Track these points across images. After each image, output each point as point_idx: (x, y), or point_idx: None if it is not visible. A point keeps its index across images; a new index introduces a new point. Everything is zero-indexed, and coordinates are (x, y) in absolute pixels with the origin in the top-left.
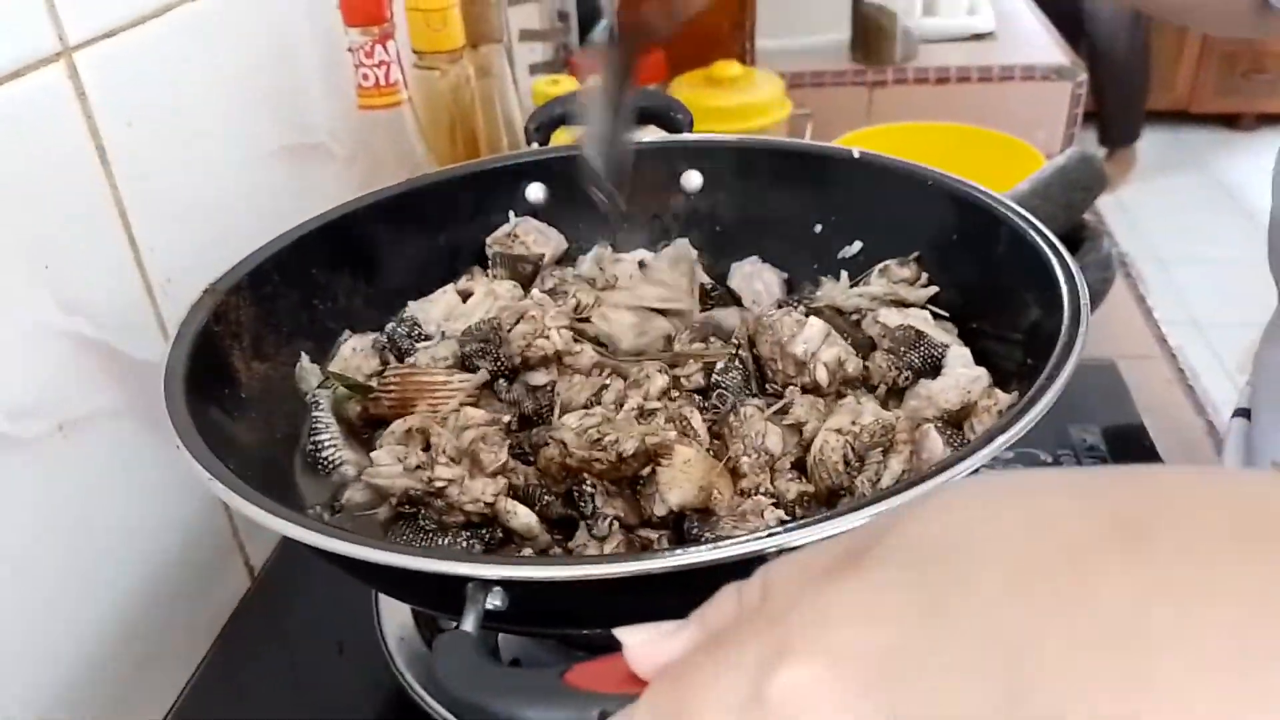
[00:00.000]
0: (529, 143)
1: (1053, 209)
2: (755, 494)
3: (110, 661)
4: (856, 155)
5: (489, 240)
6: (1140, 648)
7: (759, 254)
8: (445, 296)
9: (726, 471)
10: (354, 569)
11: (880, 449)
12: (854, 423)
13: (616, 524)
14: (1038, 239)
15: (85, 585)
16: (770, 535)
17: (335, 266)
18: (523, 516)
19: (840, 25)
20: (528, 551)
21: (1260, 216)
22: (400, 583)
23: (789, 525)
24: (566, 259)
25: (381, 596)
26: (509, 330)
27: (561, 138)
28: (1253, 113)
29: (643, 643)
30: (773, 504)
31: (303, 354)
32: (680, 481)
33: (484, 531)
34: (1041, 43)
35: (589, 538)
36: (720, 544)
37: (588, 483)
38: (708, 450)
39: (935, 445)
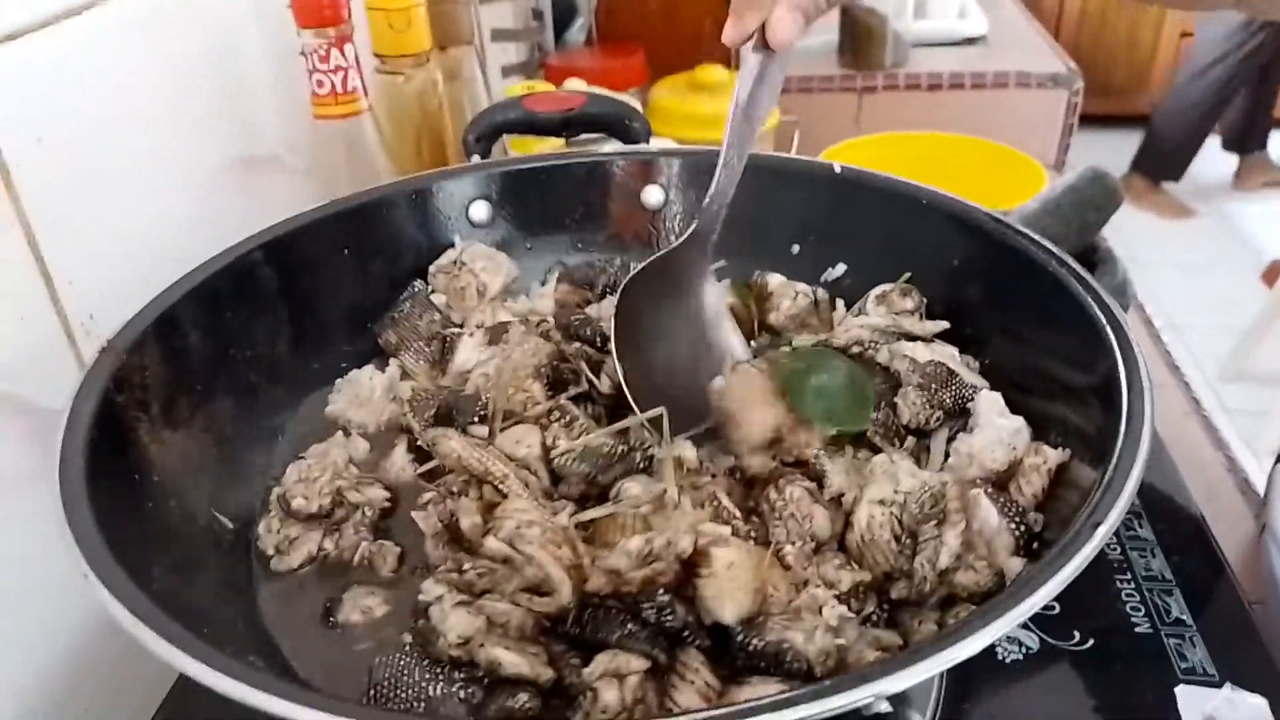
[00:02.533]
0: (468, 155)
1: (1064, 229)
2: (806, 586)
3: (97, 650)
4: (838, 170)
5: (432, 269)
6: None
7: (729, 275)
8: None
9: (776, 561)
10: None
11: (934, 521)
12: (896, 490)
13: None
14: (1070, 280)
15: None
16: (867, 683)
17: (255, 307)
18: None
19: (828, 27)
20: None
21: (1234, 219)
22: None
23: (889, 665)
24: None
25: None
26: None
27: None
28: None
29: None
30: (834, 596)
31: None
32: (730, 592)
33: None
34: (1036, 48)
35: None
36: (825, 695)
37: (658, 597)
38: (747, 534)
39: (989, 515)
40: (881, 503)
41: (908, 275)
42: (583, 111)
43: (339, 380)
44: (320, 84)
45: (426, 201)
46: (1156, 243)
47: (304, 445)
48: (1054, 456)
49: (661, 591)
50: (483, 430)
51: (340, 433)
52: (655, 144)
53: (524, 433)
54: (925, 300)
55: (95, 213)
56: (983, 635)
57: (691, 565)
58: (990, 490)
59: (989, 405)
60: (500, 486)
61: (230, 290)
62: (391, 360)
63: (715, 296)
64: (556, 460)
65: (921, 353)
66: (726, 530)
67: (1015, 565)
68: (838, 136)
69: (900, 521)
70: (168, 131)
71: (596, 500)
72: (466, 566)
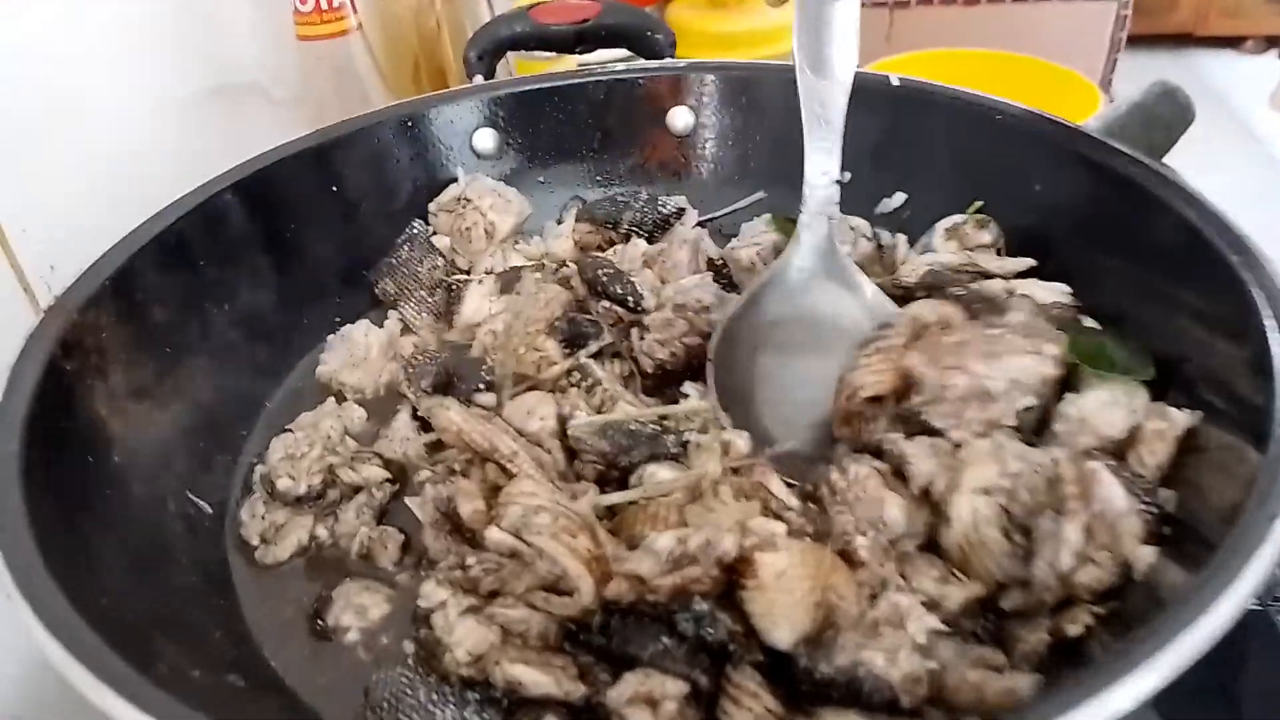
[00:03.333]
0: (470, 76)
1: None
2: (886, 591)
3: None
4: (895, 83)
5: (432, 206)
6: None
7: (768, 208)
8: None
9: (840, 561)
10: None
11: (1050, 507)
12: (1003, 474)
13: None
14: (1191, 215)
15: None
16: None
17: (232, 255)
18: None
19: None
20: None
21: (1265, 141)
22: None
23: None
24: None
25: None
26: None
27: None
28: (1260, 35)
29: None
30: (922, 604)
31: None
32: (783, 608)
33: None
34: None
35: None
36: None
37: (694, 606)
38: (804, 529)
39: (1112, 494)
40: (986, 491)
41: (979, 204)
42: (598, 23)
43: (331, 337)
44: (303, 0)
45: (423, 129)
46: (1186, 169)
47: (294, 414)
48: (1181, 420)
49: (698, 600)
50: (490, 398)
51: (333, 399)
52: (683, 62)
53: (537, 402)
54: (1002, 233)
55: (49, 153)
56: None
57: (735, 570)
58: (1111, 463)
59: None
60: (508, 465)
61: (202, 236)
62: (391, 313)
63: (855, 308)
64: (571, 432)
65: (1042, 293)
66: (779, 528)
67: (1146, 556)
68: (867, 57)
69: (1009, 514)
70: (130, 59)
71: (617, 486)
72: (470, 562)
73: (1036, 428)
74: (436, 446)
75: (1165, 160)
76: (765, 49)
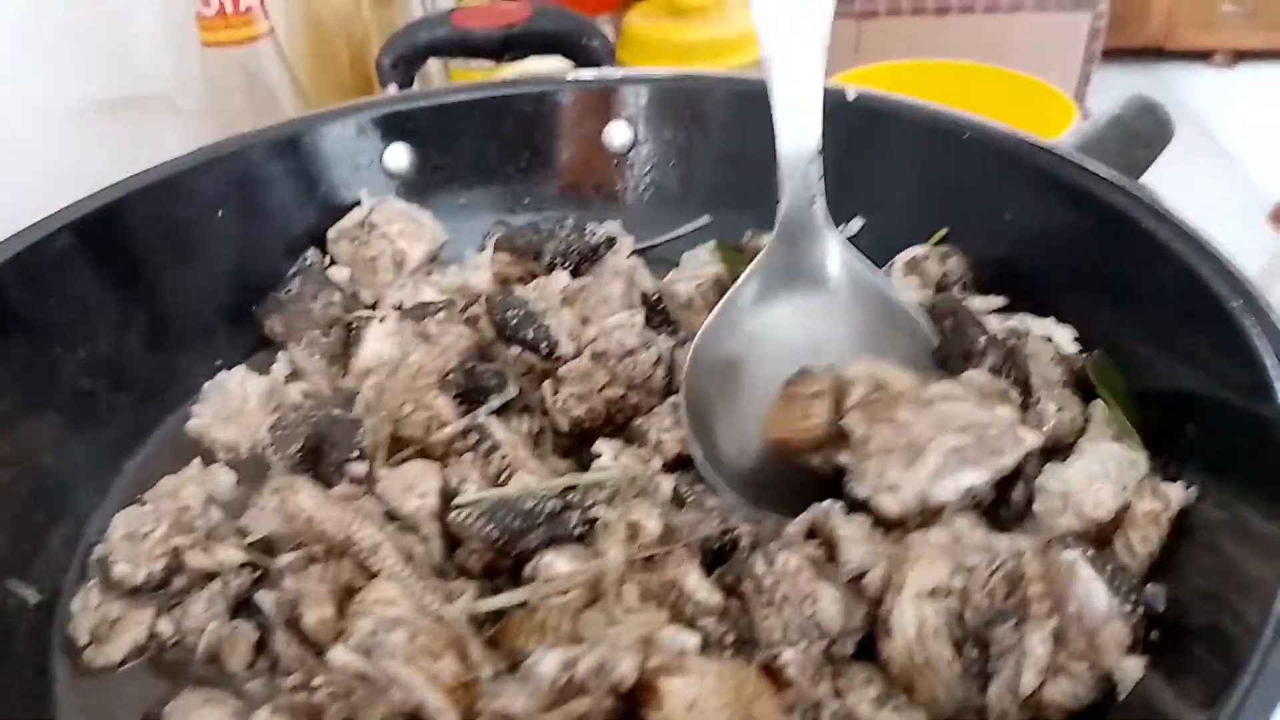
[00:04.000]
0: (383, 84)
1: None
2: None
3: None
4: (851, 97)
5: (331, 233)
6: None
7: (713, 234)
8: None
9: (764, 679)
10: None
11: (1011, 619)
12: (955, 572)
13: None
14: (1184, 251)
15: None
16: None
17: (89, 290)
18: None
19: None
20: None
21: (1238, 158)
22: None
23: None
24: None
25: None
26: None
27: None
28: (1228, 48)
29: None
30: None
31: None
32: None
33: None
34: None
35: None
36: None
37: None
38: (724, 638)
39: (1092, 593)
40: (933, 594)
41: (943, 233)
42: (527, 28)
43: (206, 385)
44: (206, 3)
45: (323, 146)
46: (1159, 184)
47: (157, 478)
48: (1176, 497)
49: None
50: (363, 468)
51: (198, 461)
52: (620, 71)
53: (419, 474)
54: (970, 267)
55: None
56: None
57: (636, 699)
58: (1089, 553)
59: (1103, 423)
60: (367, 562)
61: (52, 269)
62: (280, 355)
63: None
64: (452, 516)
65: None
66: (691, 641)
67: (1132, 668)
68: (835, 68)
69: (963, 620)
70: (20, 64)
71: (510, 576)
72: (316, 683)
73: (1011, 509)
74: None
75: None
76: (729, 60)
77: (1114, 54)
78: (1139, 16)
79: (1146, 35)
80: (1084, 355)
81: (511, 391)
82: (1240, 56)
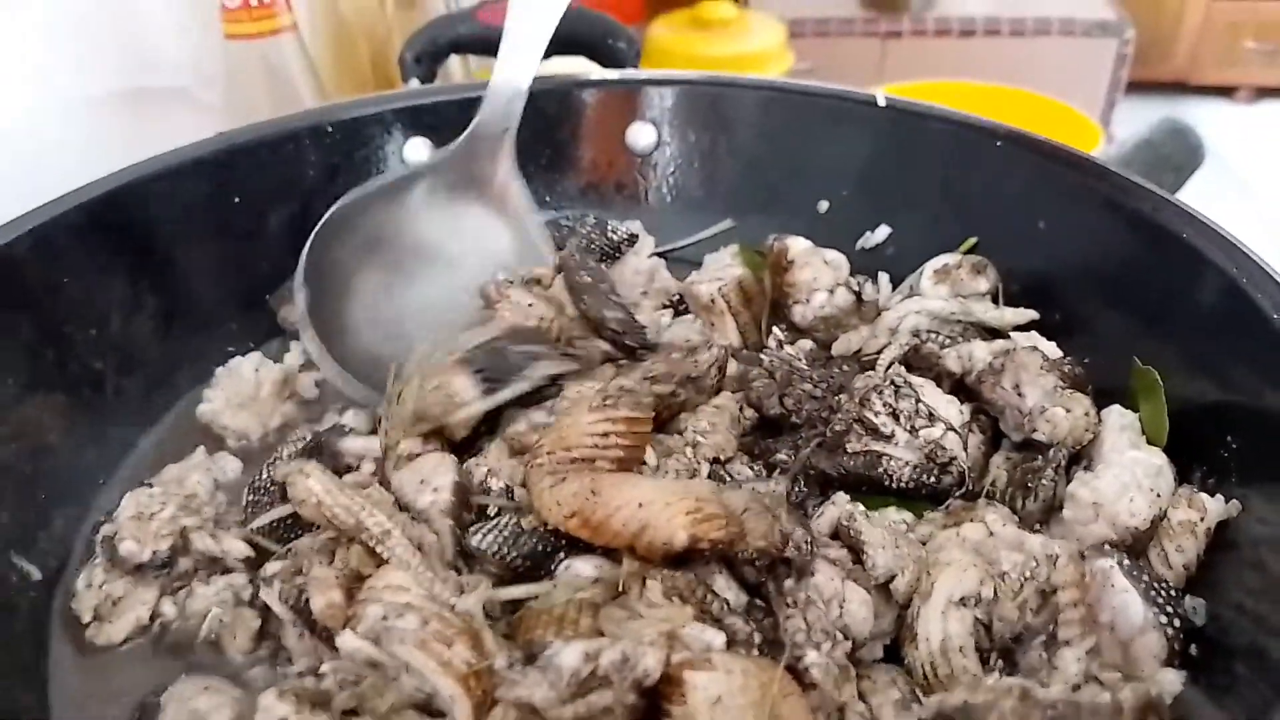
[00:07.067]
0: (406, 79)
1: None
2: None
3: None
4: (882, 103)
5: None
6: None
7: (737, 238)
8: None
9: (790, 681)
10: None
11: (1041, 631)
12: (983, 579)
13: None
14: (1230, 267)
15: None
16: None
17: (102, 270)
18: None
19: None
20: None
21: (1259, 192)
22: None
23: None
24: None
25: None
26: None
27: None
28: (1251, 85)
29: None
30: None
31: None
32: None
33: None
34: None
35: None
36: None
37: None
38: (751, 638)
39: (1128, 604)
40: (962, 603)
41: (973, 241)
42: None
43: (219, 371)
44: None
45: (342, 138)
46: None
47: (166, 462)
48: (1214, 509)
49: None
50: (368, 445)
51: (203, 448)
52: (645, 72)
53: (434, 466)
54: (1001, 278)
55: None
56: None
57: (659, 694)
58: (1126, 562)
59: (1118, 430)
60: (377, 549)
61: (68, 248)
62: (293, 344)
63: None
64: (475, 544)
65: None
66: (717, 638)
67: (1171, 681)
68: (859, 87)
69: (990, 629)
70: (43, 56)
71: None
72: (324, 669)
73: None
74: (296, 520)
75: None
76: (749, 73)
77: (1138, 86)
78: (1163, 51)
79: (1170, 69)
80: (1068, 359)
81: (527, 385)
82: (1262, 93)
